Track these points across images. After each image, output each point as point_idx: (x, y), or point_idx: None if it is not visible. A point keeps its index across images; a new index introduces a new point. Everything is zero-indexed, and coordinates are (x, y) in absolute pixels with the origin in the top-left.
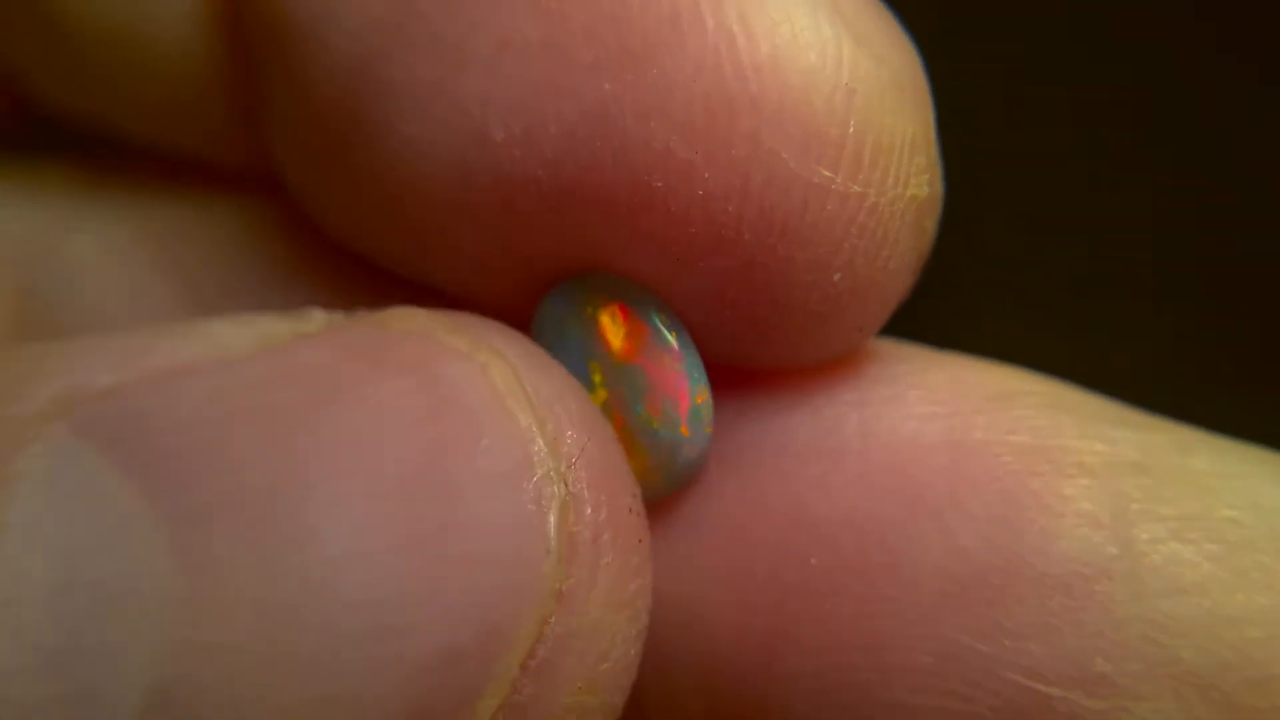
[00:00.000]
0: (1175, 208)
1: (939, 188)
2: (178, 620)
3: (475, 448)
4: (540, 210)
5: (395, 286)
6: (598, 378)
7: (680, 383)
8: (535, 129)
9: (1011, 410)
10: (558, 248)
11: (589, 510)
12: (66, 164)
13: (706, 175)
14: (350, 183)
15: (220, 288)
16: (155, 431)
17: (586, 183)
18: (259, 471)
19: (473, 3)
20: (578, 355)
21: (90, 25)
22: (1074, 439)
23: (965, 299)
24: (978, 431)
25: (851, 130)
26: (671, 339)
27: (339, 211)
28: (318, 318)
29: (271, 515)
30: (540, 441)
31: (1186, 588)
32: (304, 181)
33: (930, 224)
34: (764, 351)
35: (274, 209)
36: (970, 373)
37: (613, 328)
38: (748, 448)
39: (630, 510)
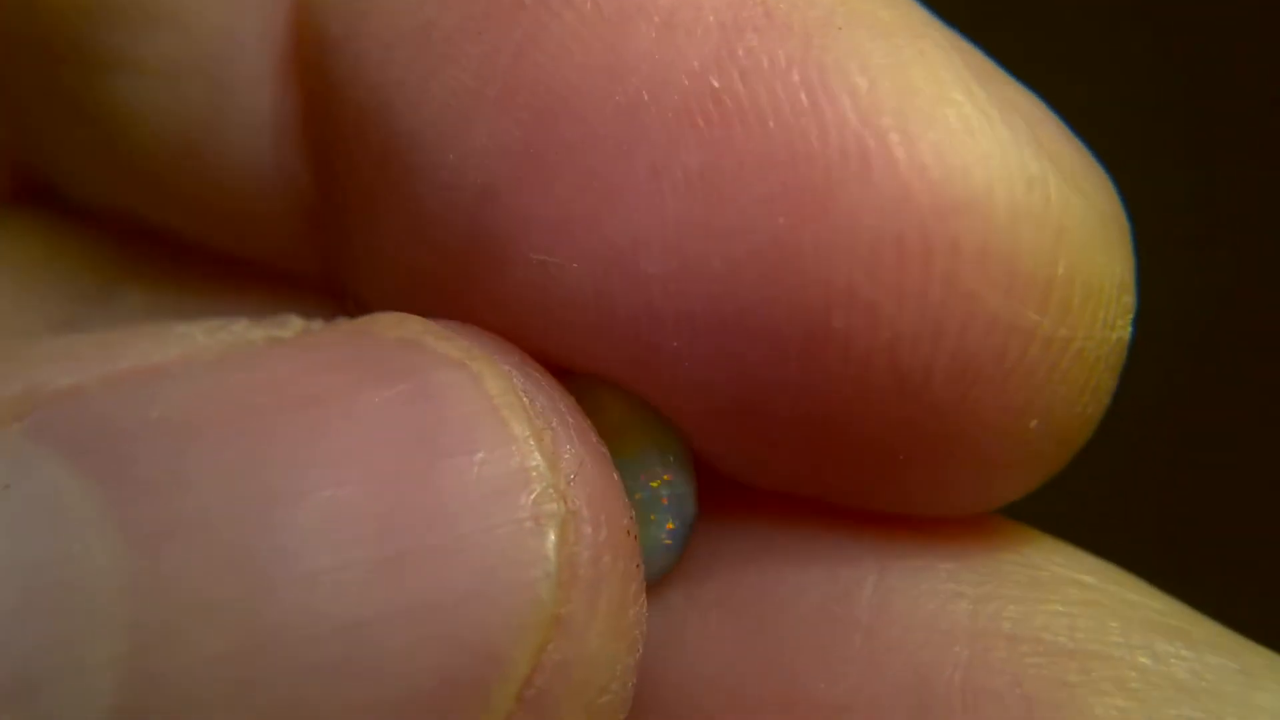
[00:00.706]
0: (1174, 211)
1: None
2: (140, 641)
3: (468, 460)
4: (691, 349)
5: None
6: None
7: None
8: (695, 263)
9: (1049, 602)
10: (700, 392)
11: (589, 530)
12: (82, 256)
13: (895, 316)
14: (464, 304)
15: None
16: (118, 436)
17: (754, 321)
18: (229, 482)
19: (623, 127)
20: None
21: (160, 137)
22: (1117, 648)
23: None
24: (1007, 623)
25: (1061, 271)
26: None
27: None
28: (294, 323)
29: (240, 529)
30: (538, 455)
31: None
32: (404, 302)
33: (1121, 366)
34: (923, 500)
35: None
36: (1012, 549)
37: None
38: (752, 597)
39: (628, 532)
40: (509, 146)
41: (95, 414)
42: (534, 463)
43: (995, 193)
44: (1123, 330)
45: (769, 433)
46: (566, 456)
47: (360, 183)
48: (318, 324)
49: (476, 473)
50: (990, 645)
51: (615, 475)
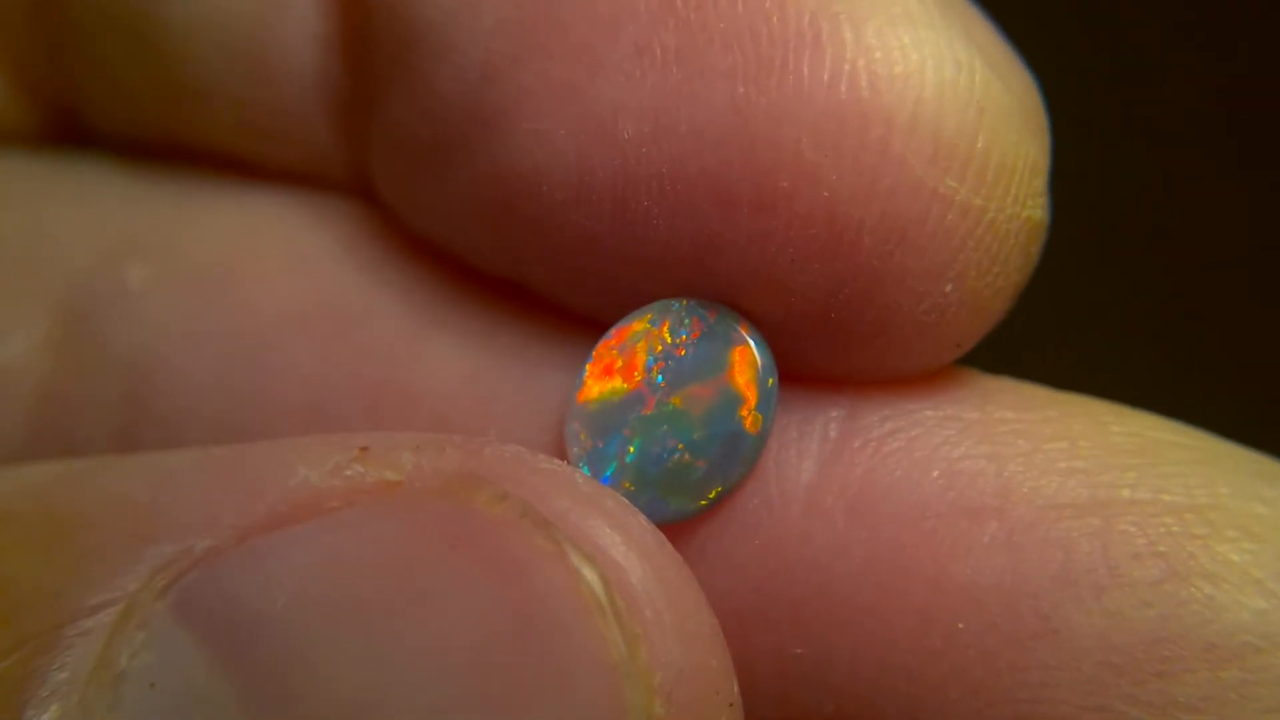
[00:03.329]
0: (1179, 213)
1: (1047, 218)
2: None
3: (566, 688)
4: (659, 206)
5: (486, 287)
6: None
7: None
8: (665, 128)
9: (1160, 466)
10: (664, 249)
11: None
12: (123, 177)
13: (834, 178)
14: (461, 180)
15: (272, 321)
16: (250, 625)
17: (712, 179)
18: (346, 689)
19: (612, 10)
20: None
21: (212, 48)
22: (1230, 498)
23: None
24: (1126, 490)
25: (979, 146)
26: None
27: (442, 212)
28: (405, 462)
29: None
30: (632, 670)
31: None
32: (408, 183)
33: (1035, 251)
34: (858, 361)
35: (351, 223)
36: (1111, 423)
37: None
38: (879, 503)
39: None
40: (511, 27)
41: (230, 593)
42: (629, 688)
43: (927, 72)
44: (1033, 210)
45: (724, 290)
46: (662, 669)
47: (381, 73)
48: (426, 459)
49: (573, 700)
50: (1118, 512)
51: (716, 660)
